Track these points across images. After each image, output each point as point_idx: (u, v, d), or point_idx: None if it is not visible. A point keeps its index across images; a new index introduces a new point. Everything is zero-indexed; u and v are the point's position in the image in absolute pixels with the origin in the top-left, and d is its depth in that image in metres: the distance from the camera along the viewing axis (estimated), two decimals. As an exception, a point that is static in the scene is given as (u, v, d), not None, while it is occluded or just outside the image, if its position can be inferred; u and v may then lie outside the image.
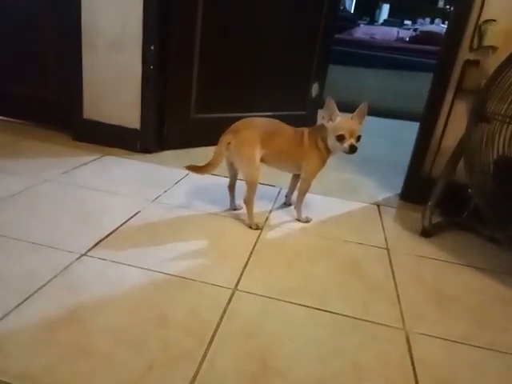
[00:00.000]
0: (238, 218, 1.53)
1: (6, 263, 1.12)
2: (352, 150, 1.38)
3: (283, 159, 1.53)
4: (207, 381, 0.83)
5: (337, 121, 1.42)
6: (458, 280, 1.32)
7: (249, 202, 1.47)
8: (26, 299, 0.99)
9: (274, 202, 1.71)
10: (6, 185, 1.56)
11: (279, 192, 1.80)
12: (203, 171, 1.45)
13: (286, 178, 1.69)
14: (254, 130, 1.43)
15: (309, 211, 1.63)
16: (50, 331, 0.91)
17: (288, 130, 1.51)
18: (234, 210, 1.59)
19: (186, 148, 2.22)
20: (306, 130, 1.50)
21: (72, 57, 2.04)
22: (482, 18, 1.60)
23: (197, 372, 0.85)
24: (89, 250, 1.21)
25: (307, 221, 1.57)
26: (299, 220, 1.58)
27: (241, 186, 1.52)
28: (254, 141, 1.41)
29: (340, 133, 1.39)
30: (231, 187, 1.58)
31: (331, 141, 1.43)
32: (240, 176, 1.51)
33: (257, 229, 1.47)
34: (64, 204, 1.49)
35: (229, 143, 1.41)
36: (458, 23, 1.67)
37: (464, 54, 1.66)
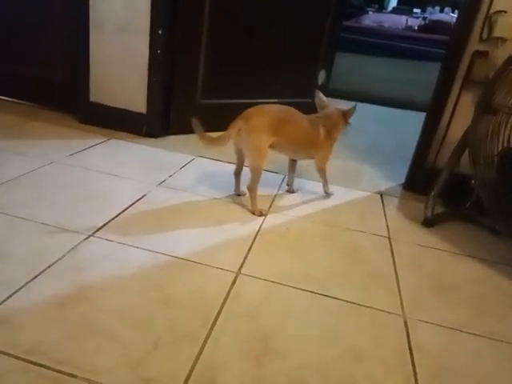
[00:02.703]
0: (242, 204, 1.55)
1: (15, 242, 1.14)
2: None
3: (296, 147, 1.57)
4: (211, 360, 0.86)
5: (344, 108, 1.61)
6: (458, 270, 1.34)
7: (252, 188, 1.48)
8: (36, 277, 1.01)
9: (278, 189, 1.73)
10: (14, 165, 1.58)
11: (283, 179, 1.82)
12: (207, 142, 1.44)
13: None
14: (265, 117, 1.43)
15: (312, 199, 1.64)
16: (58, 308, 0.93)
17: (302, 118, 1.53)
18: (238, 195, 1.60)
19: (191, 133, 2.21)
20: (319, 121, 1.56)
21: (79, 40, 2.03)
22: (493, 9, 1.59)
23: (201, 351, 0.87)
24: (96, 231, 1.23)
25: (333, 193, 1.73)
26: (327, 193, 1.71)
27: (247, 173, 1.54)
28: (264, 128, 1.42)
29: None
30: (237, 173, 1.60)
31: (343, 126, 1.61)
32: (246, 163, 1.52)
33: (260, 215, 1.49)
34: (71, 186, 1.50)
35: (240, 129, 1.42)
36: (468, 13, 1.66)
37: (473, 45, 1.65)
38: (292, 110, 1.51)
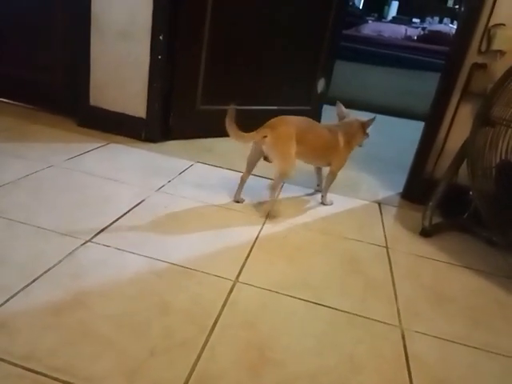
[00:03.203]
0: (240, 211, 1.55)
1: (12, 246, 1.14)
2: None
3: (317, 155, 1.65)
4: (207, 368, 0.85)
5: (362, 118, 1.69)
6: (455, 281, 1.34)
7: (274, 189, 1.55)
8: (33, 282, 1.01)
9: (277, 197, 1.73)
10: (13, 168, 1.58)
11: (282, 186, 1.82)
12: (233, 133, 1.48)
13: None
14: (290, 127, 1.51)
15: (310, 207, 1.65)
16: (54, 314, 0.93)
17: (321, 128, 1.64)
18: (237, 202, 1.61)
19: (191, 139, 2.23)
20: (338, 129, 1.65)
21: (81, 44, 2.04)
22: (492, 22, 1.61)
23: (197, 359, 0.87)
24: (94, 237, 1.23)
25: (331, 203, 1.74)
26: (325, 204, 1.72)
27: (251, 181, 1.54)
28: (290, 137, 1.50)
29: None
30: (243, 179, 1.63)
31: (362, 136, 1.69)
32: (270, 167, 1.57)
33: (273, 217, 1.53)
34: (69, 190, 1.50)
35: (265, 136, 1.48)
36: (467, 25, 1.67)
37: (472, 57, 1.67)
38: (309, 120, 1.61)
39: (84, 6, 1.96)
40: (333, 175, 1.70)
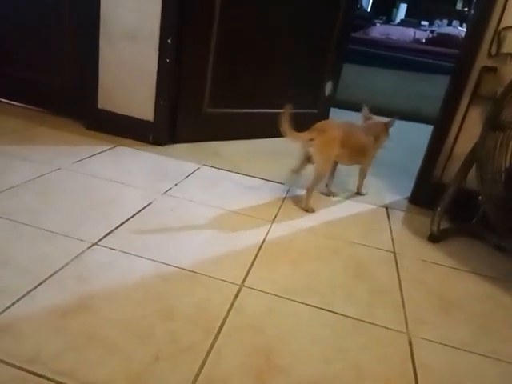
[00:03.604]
0: (246, 215, 1.54)
1: (19, 248, 1.14)
2: None
3: (354, 156, 1.74)
4: (212, 373, 0.85)
5: (385, 120, 1.80)
6: (463, 287, 1.33)
7: (312, 189, 1.65)
8: (38, 285, 1.01)
9: (283, 201, 1.72)
10: (20, 171, 1.59)
11: (288, 191, 1.81)
12: (286, 130, 1.53)
13: (294, 175, 1.70)
14: (336, 131, 1.62)
15: (316, 212, 1.64)
16: (60, 317, 0.93)
17: (359, 130, 1.75)
18: (328, 195, 1.81)
19: (197, 142, 2.24)
20: (368, 130, 1.76)
21: (89, 47, 2.05)
22: (502, 25, 1.59)
23: (202, 365, 0.86)
24: (100, 240, 1.23)
25: (366, 193, 1.90)
26: (361, 193, 1.88)
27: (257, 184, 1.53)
28: (336, 142, 1.62)
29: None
30: (297, 171, 1.71)
31: (386, 136, 1.82)
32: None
33: (312, 211, 1.64)
34: (76, 193, 1.51)
35: (311, 139, 1.58)
36: (476, 28, 1.65)
37: (482, 60, 1.65)
38: (350, 122, 1.72)
39: (93, 9, 1.97)
40: (365, 172, 1.85)
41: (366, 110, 1.87)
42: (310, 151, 1.62)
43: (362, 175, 1.86)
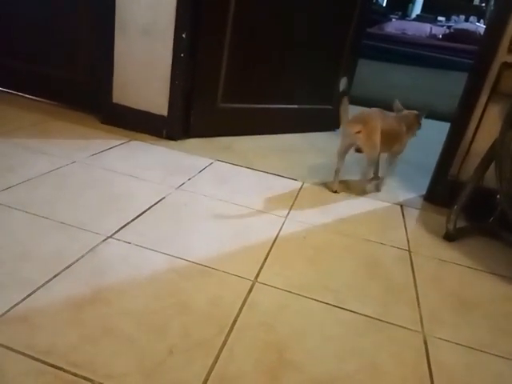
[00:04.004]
0: (260, 210, 1.54)
1: (35, 241, 1.15)
2: None
3: (389, 144, 1.81)
4: (225, 369, 0.85)
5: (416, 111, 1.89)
6: (479, 286, 1.30)
7: (367, 174, 1.83)
8: (54, 277, 1.02)
9: (296, 197, 1.71)
10: (36, 164, 1.60)
11: (301, 186, 1.80)
12: (342, 118, 1.71)
13: (308, 171, 1.69)
14: (377, 121, 1.72)
15: (330, 208, 1.63)
16: (75, 310, 0.94)
17: (393, 119, 1.84)
18: (335, 192, 1.80)
19: (211, 137, 2.23)
20: (401, 120, 1.85)
21: (104, 41, 2.06)
22: (523, 20, 1.55)
23: (215, 360, 0.86)
24: (114, 233, 1.24)
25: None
26: (380, 189, 1.92)
27: (267, 179, 1.51)
28: (378, 131, 1.72)
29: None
30: (339, 170, 1.79)
31: (417, 126, 1.89)
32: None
33: (365, 194, 1.83)
34: (91, 186, 1.52)
35: (359, 131, 1.68)
36: (496, 24, 1.62)
37: (501, 56, 1.61)
38: (383, 111, 1.80)
39: (108, 3, 1.98)
40: (396, 160, 1.93)
41: (397, 103, 1.94)
42: (359, 143, 1.74)
43: (394, 163, 1.95)
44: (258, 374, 0.85)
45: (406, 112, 1.90)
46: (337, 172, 1.79)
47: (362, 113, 1.75)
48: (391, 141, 1.81)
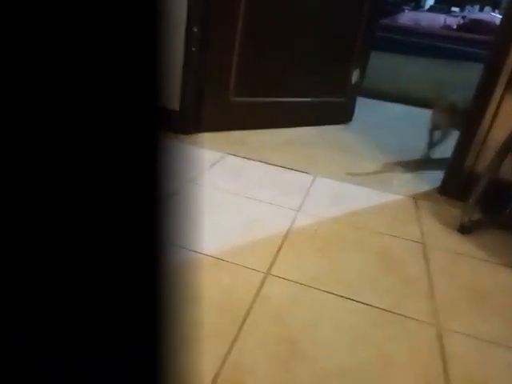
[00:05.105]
0: (271, 203, 1.54)
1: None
2: None
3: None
4: (238, 360, 0.85)
5: None
6: (494, 279, 1.29)
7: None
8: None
9: (308, 191, 1.71)
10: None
11: (313, 180, 1.79)
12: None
13: (320, 165, 1.68)
14: None
15: (342, 201, 1.62)
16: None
17: None
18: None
19: (223, 131, 2.24)
20: None
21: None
22: (541, 8, 1.52)
23: (229, 351, 0.87)
24: (128, 226, 1.25)
25: None
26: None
27: (282, 175, 1.51)
28: None
29: None
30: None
31: None
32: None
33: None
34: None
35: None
36: (513, 12, 1.59)
37: (518, 46, 1.58)
38: None
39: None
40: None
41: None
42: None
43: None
44: (271, 365, 0.86)
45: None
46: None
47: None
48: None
